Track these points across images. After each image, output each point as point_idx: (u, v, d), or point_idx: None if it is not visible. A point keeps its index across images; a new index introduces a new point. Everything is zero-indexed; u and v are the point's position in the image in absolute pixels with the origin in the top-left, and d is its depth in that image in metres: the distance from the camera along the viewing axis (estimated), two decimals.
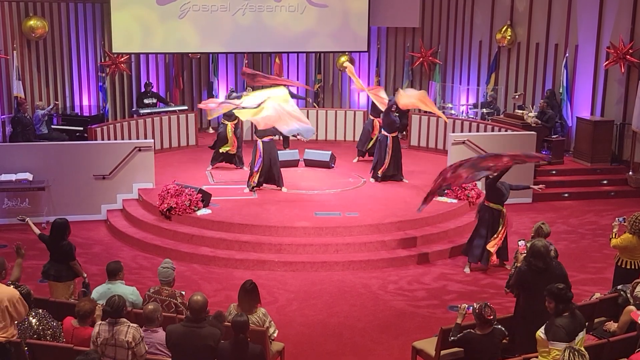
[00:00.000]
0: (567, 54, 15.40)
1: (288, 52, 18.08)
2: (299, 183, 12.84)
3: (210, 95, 17.59)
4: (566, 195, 13.77)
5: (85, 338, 6.10)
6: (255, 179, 12.16)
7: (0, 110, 15.19)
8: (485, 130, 14.79)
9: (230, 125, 13.54)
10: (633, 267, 8.00)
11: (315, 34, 17.35)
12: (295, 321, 8.53)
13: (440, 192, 10.67)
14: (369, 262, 10.19)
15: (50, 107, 15.13)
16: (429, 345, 6.91)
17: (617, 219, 8.24)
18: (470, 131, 15.02)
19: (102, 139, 13.80)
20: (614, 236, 8.12)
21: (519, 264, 7.22)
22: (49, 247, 7.96)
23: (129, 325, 5.83)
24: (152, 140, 13.09)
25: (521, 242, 7.41)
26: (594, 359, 5.97)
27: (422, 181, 12.81)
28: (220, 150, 13.66)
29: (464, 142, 13.01)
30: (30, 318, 6.25)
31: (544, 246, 6.57)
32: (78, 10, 16.67)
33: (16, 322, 6.15)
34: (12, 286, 6.38)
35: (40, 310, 6.36)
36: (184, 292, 7.14)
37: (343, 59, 18.13)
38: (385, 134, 12.91)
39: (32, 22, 15.74)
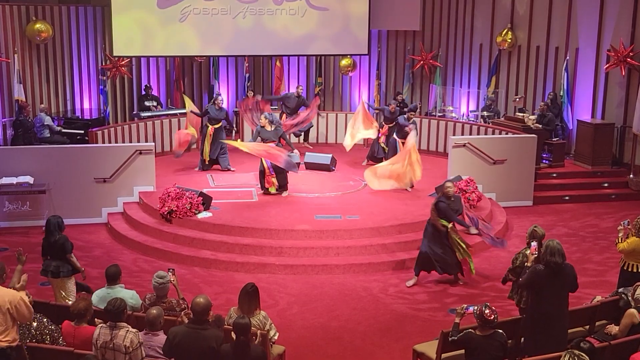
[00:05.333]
0: (567, 57, 15.40)
1: (289, 55, 18.10)
2: (300, 186, 12.84)
3: (211, 98, 17.59)
4: (567, 198, 13.77)
5: (87, 337, 6.10)
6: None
7: (1, 114, 15.20)
8: (485, 133, 14.80)
9: (210, 129, 13.73)
10: (639, 270, 7.98)
11: (316, 37, 17.37)
12: (295, 324, 8.52)
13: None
14: (369, 265, 10.18)
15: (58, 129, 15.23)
16: (429, 348, 6.90)
17: (622, 222, 8.22)
18: (470, 134, 15.03)
19: (103, 142, 13.79)
20: (619, 240, 8.10)
21: (529, 264, 7.22)
22: (45, 244, 8.06)
23: (127, 330, 5.83)
24: (153, 144, 13.10)
25: (533, 243, 7.40)
26: None
27: (422, 185, 12.78)
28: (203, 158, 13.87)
29: (464, 145, 13.02)
30: (28, 322, 6.23)
31: (559, 243, 6.60)
32: (79, 13, 16.70)
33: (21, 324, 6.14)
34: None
35: (37, 315, 6.35)
36: (179, 298, 7.09)
37: (344, 62, 18.15)
38: (396, 138, 13.01)
39: (38, 26, 15.77)
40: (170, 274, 7.05)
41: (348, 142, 14.16)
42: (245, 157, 13.49)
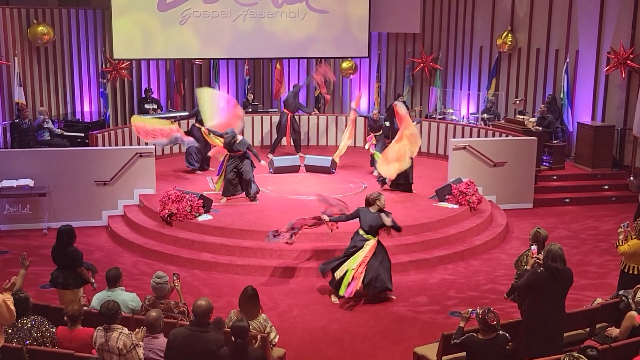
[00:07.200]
0: (567, 59, 15.41)
1: (289, 58, 18.10)
2: (300, 189, 12.84)
3: None
4: (567, 200, 13.78)
5: (84, 339, 6.10)
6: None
7: (1, 117, 15.20)
8: (486, 136, 14.81)
9: (204, 129, 13.73)
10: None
11: (316, 39, 17.38)
12: (296, 327, 8.52)
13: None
14: None
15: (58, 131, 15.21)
16: (430, 350, 6.90)
17: (622, 225, 8.21)
18: (471, 136, 15.04)
19: (103, 145, 13.81)
20: (620, 243, 8.09)
21: (528, 267, 7.22)
22: (56, 254, 7.93)
23: (120, 332, 5.83)
24: (153, 146, 13.08)
25: (533, 247, 7.42)
26: None
27: (423, 187, 12.79)
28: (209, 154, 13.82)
29: (464, 148, 13.02)
30: (29, 325, 6.23)
31: (561, 248, 6.61)
32: (79, 16, 16.71)
33: (6, 328, 6.09)
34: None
35: (38, 317, 6.34)
36: (181, 302, 7.09)
37: (346, 64, 18.14)
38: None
39: (40, 28, 15.78)
40: (175, 278, 7.07)
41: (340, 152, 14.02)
42: None
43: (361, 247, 9.10)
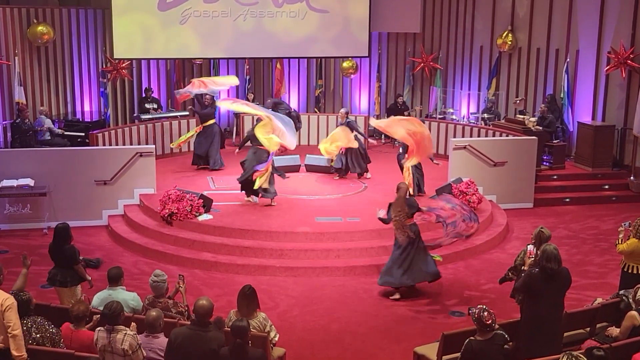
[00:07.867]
0: (568, 59, 15.41)
1: (289, 58, 18.10)
2: (300, 188, 12.84)
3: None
4: (567, 200, 13.78)
5: (84, 340, 6.09)
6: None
7: (1, 116, 15.20)
8: (486, 135, 14.81)
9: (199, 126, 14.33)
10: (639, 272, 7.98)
11: (316, 39, 17.38)
12: (296, 326, 8.52)
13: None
14: (370, 267, 10.16)
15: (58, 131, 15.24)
16: (430, 350, 6.90)
17: (622, 224, 8.21)
18: (471, 136, 15.04)
19: (104, 145, 13.81)
20: (619, 242, 8.09)
21: (526, 268, 7.21)
22: (53, 252, 7.94)
23: (125, 333, 5.82)
24: (153, 146, 13.08)
25: (530, 247, 7.41)
26: None
27: (424, 187, 12.77)
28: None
29: (465, 147, 13.02)
30: (29, 325, 6.22)
31: (556, 248, 6.59)
32: (79, 16, 16.71)
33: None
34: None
35: (38, 318, 6.33)
36: (183, 303, 7.09)
37: (347, 64, 18.13)
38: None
39: (40, 28, 15.79)
40: (179, 280, 7.08)
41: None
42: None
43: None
